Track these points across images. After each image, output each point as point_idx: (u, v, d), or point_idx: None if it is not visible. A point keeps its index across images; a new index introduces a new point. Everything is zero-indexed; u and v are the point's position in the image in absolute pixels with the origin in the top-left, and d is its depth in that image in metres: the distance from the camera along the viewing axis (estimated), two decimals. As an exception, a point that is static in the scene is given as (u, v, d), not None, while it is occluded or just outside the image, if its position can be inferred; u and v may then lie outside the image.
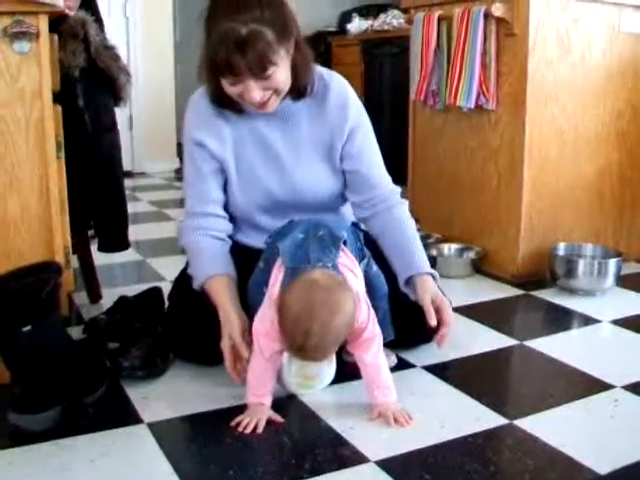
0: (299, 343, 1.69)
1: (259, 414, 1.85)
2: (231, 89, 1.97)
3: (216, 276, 2.08)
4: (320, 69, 2.18)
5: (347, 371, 2.06)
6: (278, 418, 1.87)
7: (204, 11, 1.99)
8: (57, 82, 2.12)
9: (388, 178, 2.26)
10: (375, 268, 2.10)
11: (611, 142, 3.27)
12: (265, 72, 1.90)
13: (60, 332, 1.90)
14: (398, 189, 2.27)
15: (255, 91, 1.94)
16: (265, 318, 1.84)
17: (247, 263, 2.12)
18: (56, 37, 2.14)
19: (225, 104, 2.09)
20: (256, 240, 2.21)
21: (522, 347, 2.39)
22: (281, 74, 1.96)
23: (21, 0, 1.95)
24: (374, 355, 1.89)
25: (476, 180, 3.28)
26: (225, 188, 2.21)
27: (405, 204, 2.25)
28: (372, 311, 1.90)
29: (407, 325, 2.14)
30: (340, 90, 2.18)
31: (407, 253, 2.16)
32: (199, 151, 2.16)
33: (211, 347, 2.06)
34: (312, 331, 1.67)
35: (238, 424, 1.83)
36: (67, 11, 2.28)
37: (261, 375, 1.88)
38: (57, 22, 2.34)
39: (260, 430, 1.81)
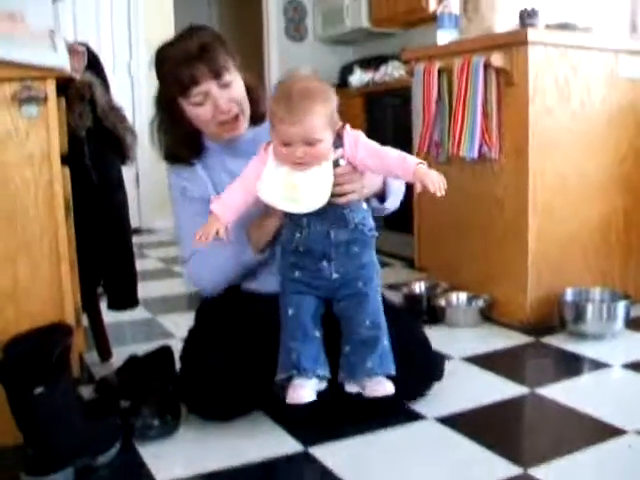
0: (285, 96, 1.88)
1: (216, 225, 1.94)
2: (199, 111, 2.12)
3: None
4: None
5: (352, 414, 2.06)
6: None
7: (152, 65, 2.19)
8: (65, 144, 2.15)
9: None
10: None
11: (615, 186, 3.30)
12: (224, 75, 2.09)
13: (72, 394, 1.90)
14: None
15: (222, 99, 2.10)
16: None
17: (256, 310, 2.18)
18: (64, 100, 2.18)
19: (184, 151, 2.23)
20: (258, 283, 2.28)
21: (533, 395, 2.38)
22: (239, 86, 2.15)
23: (29, 66, 1.99)
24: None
25: (482, 228, 3.28)
26: None
27: None
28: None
29: (409, 373, 2.11)
30: None
31: None
32: (184, 195, 2.26)
33: (227, 405, 2.08)
34: (294, 88, 1.88)
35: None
36: (74, 74, 2.31)
37: (234, 190, 2.00)
38: (65, 84, 2.38)
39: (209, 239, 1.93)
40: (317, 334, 2.02)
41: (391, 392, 1.99)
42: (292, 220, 2.01)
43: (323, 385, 2.00)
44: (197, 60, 2.06)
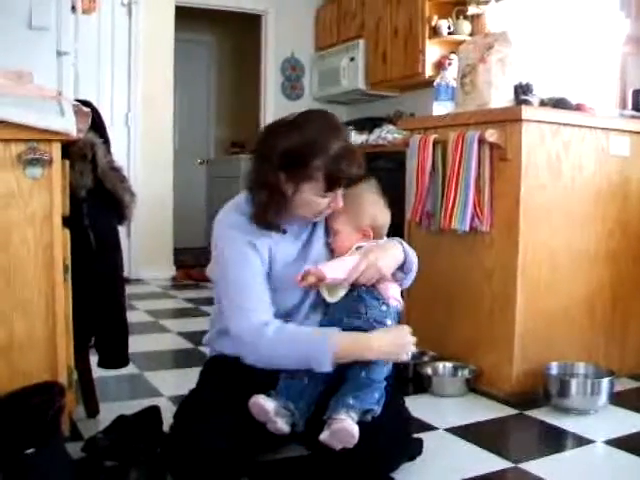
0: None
1: None
2: (320, 201, 2.18)
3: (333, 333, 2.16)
4: None
5: None
6: None
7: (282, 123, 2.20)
8: (67, 207, 2.18)
9: None
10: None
11: (602, 261, 3.34)
12: None
13: (63, 455, 1.92)
14: None
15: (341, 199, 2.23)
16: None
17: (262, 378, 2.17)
18: (67, 163, 2.21)
19: (273, 224, 2.21)
20: None
21: (516, 470, 2.38)
22: None
23: (36, 128, 2.03)
24: None
25: (470, 300, 3.31)
26: None
27: None
28: None
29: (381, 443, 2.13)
30: None
31: None
32: (254, 252, 2.19)
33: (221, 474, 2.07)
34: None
35: None
36: (78, 134, 2.35)
37: None
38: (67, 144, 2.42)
39: None
40: (306, 381, 2.13)
41: (352, 430, 2.01)
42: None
43: (287, 423, 2.07)
44: (356, 162, 2.17)
